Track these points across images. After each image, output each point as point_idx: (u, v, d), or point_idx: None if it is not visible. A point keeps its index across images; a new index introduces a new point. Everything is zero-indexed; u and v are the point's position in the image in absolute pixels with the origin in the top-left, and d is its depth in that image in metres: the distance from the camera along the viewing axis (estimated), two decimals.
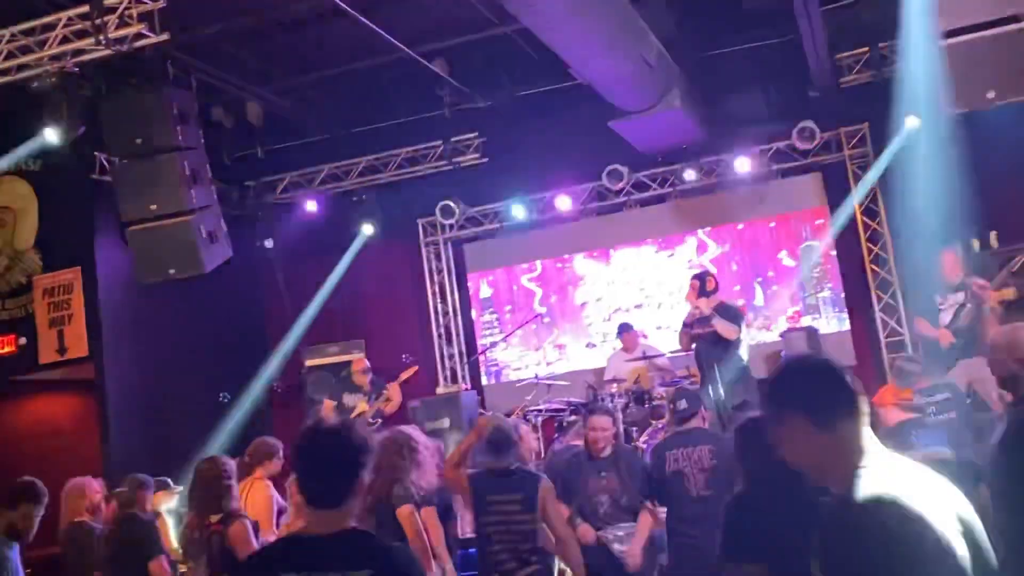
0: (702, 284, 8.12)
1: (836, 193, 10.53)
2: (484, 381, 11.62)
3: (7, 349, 9.68)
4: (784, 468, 2.37)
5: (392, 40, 8.87)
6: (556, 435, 8.84)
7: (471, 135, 11.11)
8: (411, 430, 5.29)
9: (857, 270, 10.42)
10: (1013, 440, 3.35)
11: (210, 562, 5.01)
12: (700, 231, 11.00)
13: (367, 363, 9.34)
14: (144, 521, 5.83)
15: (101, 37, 6.93)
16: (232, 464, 5.10)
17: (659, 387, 8.67)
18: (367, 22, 8.41)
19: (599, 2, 7.05)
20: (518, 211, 11.32)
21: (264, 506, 6.06)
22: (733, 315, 8.09)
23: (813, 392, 2.24)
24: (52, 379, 9.95)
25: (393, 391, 8.97)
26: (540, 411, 9.24)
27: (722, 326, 7.85)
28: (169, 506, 7.19)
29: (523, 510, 4.79)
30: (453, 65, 10.00)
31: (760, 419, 3.54)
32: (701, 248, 10.96)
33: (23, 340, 9.66)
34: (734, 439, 3.55)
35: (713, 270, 9.97)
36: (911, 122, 9.22)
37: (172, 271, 7.92)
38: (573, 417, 8.68)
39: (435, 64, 9.79)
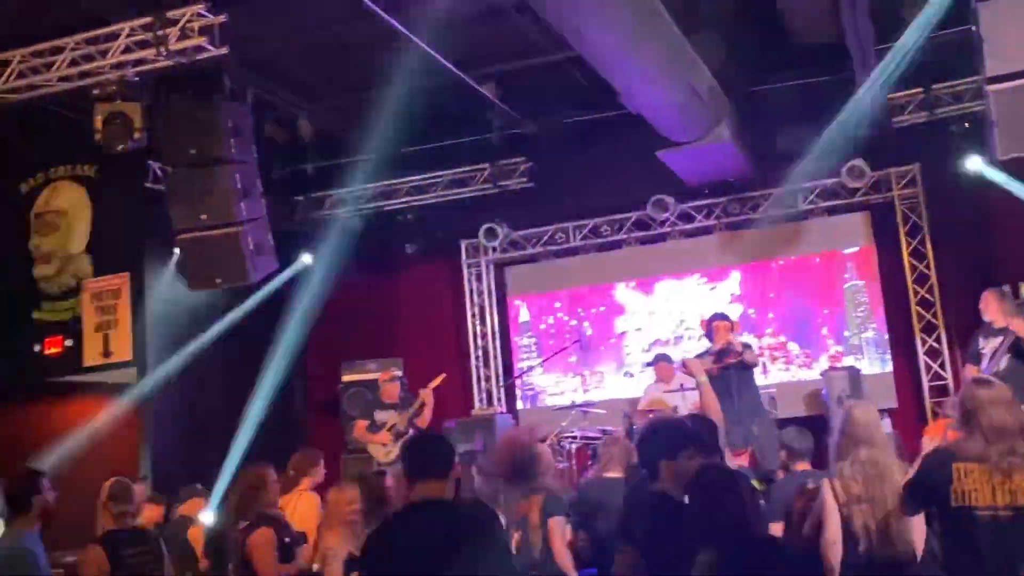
0: (733, 327, 8.44)
1: (884, 233, 10.45)
2: (520, 405, 11.60)
3: (53, 350, 9.83)
4: None
5: (445, 63, 8.97)
6: (589, 462, 8.80)
7: (518, 159, 11.17)
8: None
9: (902, 312, 10.29)
10: None
11: (234, 568, 5.06)
12: (744, 265, 10.94)
13: (396, 372, 9.38)
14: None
15: (162, 48, 7.08)
16: (272, 472, 5.15)
17: None
18: (422, 44, 8.50)
19: (652, 32, 7.09)
20: (561, 239, 11.34)
21: (312, 516, 6.09)
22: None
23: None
24: (95, 382, 10.08)
25: (427, 395, 8.94)
26: (575, 438, 9.21)
27: (750, 355, 8.06)
28: (203, 513, 7.26)
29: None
30: (504, 89, 10.07)
31: None
32: (744, 283, 10.90)
33: (69, 342, 9.81)
34: None
35: (737, 308, 10.22)
36: (972, 163, 9.15)
37: (219, 280, 8.03)
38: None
39: (485, 88, 9.87)
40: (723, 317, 8.63)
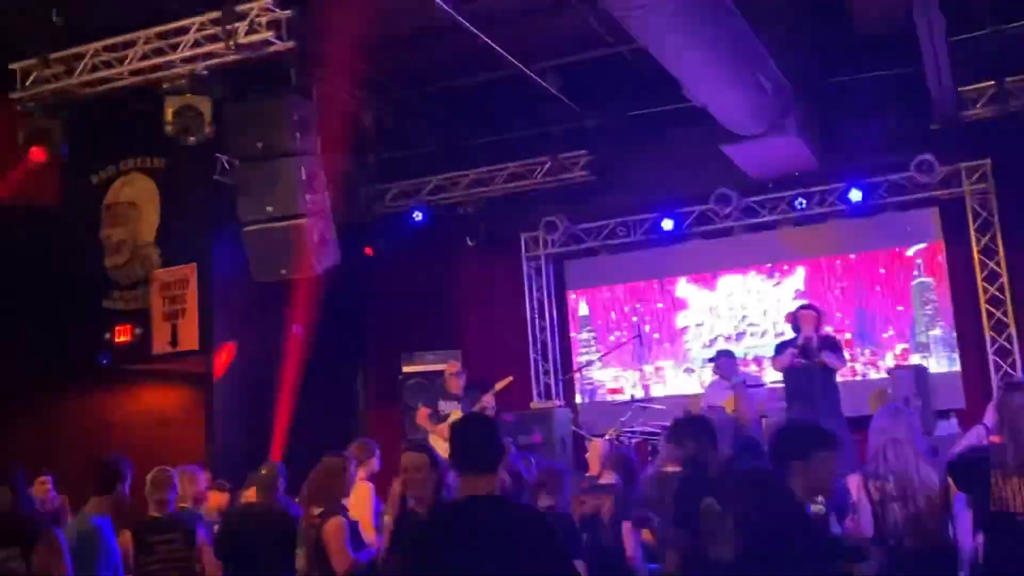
0: (819, 317, 8.18)
1: (953, 229, 10.21)
2: (578, 399, 11.58)
3: (123, 339, 10.07)
4: None
5: (507, 56, 8.97)
6: (649, 458, 8.75)
7: (579, 152, 11.13)
8: None
9: (971, 310, 10.05)
10: None
11: (307, 553, 5.15)
12: (809, 261, 10.77)
13: (459, 366, 9.42)
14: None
15: (231, 43, 7.19)
16: (349, 463, 5.24)
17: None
18: (484, 37, 8.53)
19: (718, 25, 7.01)
20: (621, 233, 11.28)
21: (365, 506, 6.17)
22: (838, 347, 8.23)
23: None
24: (163, 370, 10.30)
25: (487, 401, 8.99)
26: (635, 433, 9.17)
27: (830, 358, 7.90)
28: None
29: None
30: (565, 82, 10.05)
31: None
32: (810, 279, 10.72)
33: (138, 331, 10.04)
34: None
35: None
36: None
37: (283, 272, 8.13)
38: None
39: (547, 81, 9.85)
40: (810, 307, 8.51)
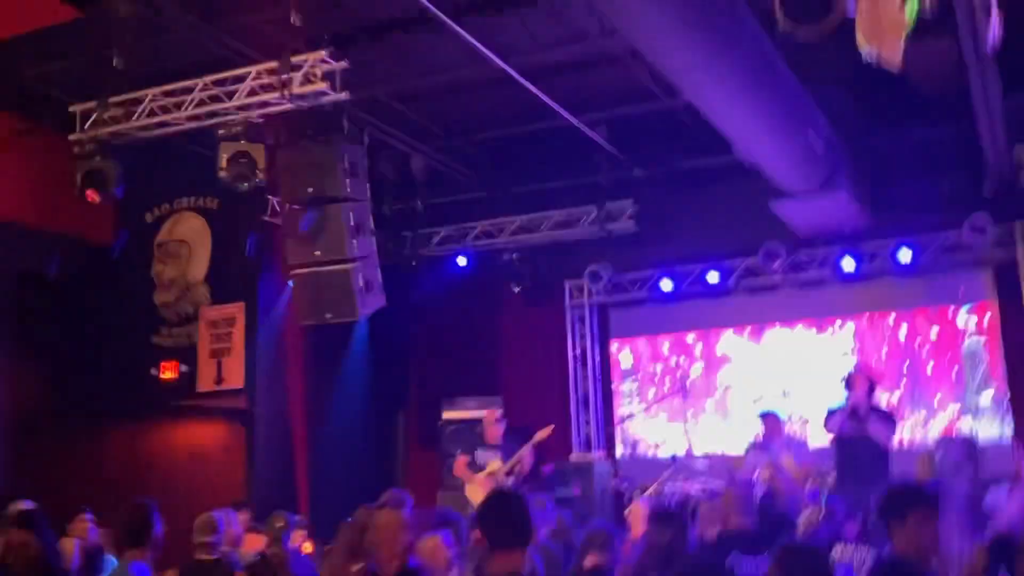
0: (872, 386, 8.04)
1: (1007, 291, 10.00)
2: (619, 452, 11.45)
3: (169, 375, 10.21)
4: None
5: (556, 107, 9.03)
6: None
7: (625, 202, 11.11)
8: None
9: None
10: None
11: None
12: (858, 319, 10.61)
13: (499, 414, 9.38)
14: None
15: (286, 92, 7.32)
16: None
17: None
18: (534, 90, 8.59)
19: (769, 83, 6.98)
20: (666, 284, 11.21)
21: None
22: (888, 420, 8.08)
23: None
24: (208, 407, 10.40)
25: (524, 452, 8.92)
26: (676, 492, 9.04)
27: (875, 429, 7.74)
28: (306, 544, 7.38)
29: None
30: (613, 133, 10.08)
31: None
32: (859, 337, 10.55)
33: (184, 367, 10.17)
34: None
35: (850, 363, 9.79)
36: None
37: (329, 315, 8.21)
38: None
39: (596, 131, 9.89)
40: (862, 371, 8.37)
